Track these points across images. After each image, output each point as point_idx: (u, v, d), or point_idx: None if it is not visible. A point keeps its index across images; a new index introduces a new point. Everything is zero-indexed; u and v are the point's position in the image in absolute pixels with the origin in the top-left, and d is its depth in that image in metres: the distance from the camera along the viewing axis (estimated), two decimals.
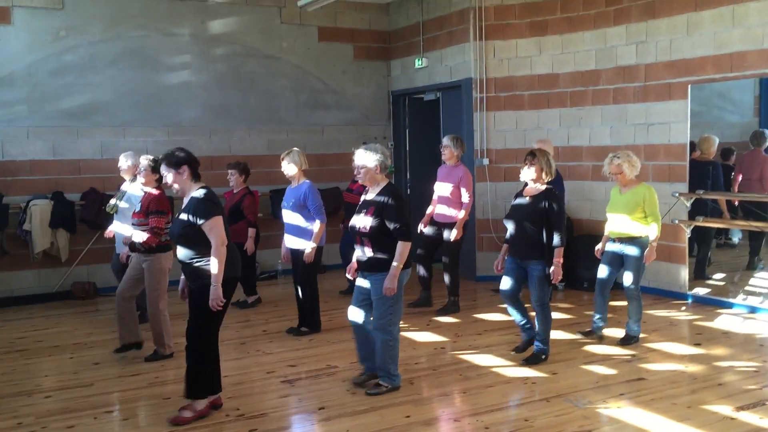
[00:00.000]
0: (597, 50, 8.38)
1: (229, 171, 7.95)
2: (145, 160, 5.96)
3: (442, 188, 7.38)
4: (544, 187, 5.59)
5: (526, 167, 5.60)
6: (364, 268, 5.04)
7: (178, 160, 4.64)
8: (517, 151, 8.85)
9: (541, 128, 8.91)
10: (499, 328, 6.84)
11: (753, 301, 7.28)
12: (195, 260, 4.58)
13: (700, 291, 7.75)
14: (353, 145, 9.60)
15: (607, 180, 8.19)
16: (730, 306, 7.34)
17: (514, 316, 5.83)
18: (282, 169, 6.73)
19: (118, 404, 5.03)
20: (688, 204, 7.58)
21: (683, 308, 7.44)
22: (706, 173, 7.82)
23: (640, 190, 6.05)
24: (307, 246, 6.53)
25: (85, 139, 8.75)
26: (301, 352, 6.22)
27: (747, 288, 7.73)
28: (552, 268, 5.45)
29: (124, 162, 6.88)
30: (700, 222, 7.56)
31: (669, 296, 7.80)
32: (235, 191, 7.98)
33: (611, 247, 6.20)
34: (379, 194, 5.00)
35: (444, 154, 7.42)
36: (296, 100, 10.03)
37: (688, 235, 7.63)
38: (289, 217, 6.68)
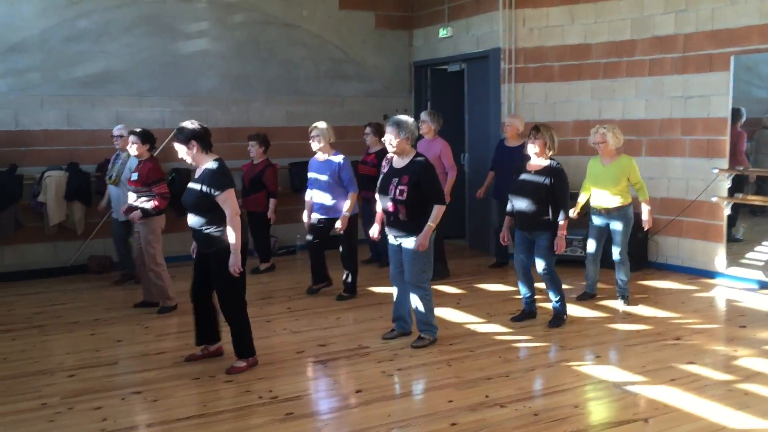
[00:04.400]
0: (633, 19, 8.02)
1: (250, 143, 8.11)
2: (133, 136, 6.44)
3: None
4: (547, 162, 5.71)
5: (530, 143, 5.71)
6: (399, 232, 5.35)
7: (186, 135, 4.82)
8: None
9: (571, 101, 8.60)
10: None
11: None
12: (205, 228, 4.81)
13: (736, 271, 7.49)
14: (373, 117, 9.48)
15: (640, 154, 8.03)
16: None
17: (521, 289, 6.07)
18: (310, 143, 6.74)
19: (145, 384, 4.81)
20: (728, 180, 7.30)
21: (721, 288, 7.19)
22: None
23: (624, 161, 6.37)
24: (340, 220, 6.66)
25: (101, 109, 8.46)
26: (329, 331, 6.00)
27: None
28: (556, 239, 5.66)
29: (124, 132, 7.20)
30: (740, 199, 7.28)
31: (705, 275, 7.55)
32: (255, 162, 8.10)
33: (597, 220, 6.48)
34: (410, 163, 5.29)
35: (422, 129, 7.46)
36: (316, 71, 9.72)
37: (727, 213, 7.36)
38: (322, 196, 6.79)
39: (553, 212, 5.67)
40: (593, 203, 6.48)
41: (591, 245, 6.58)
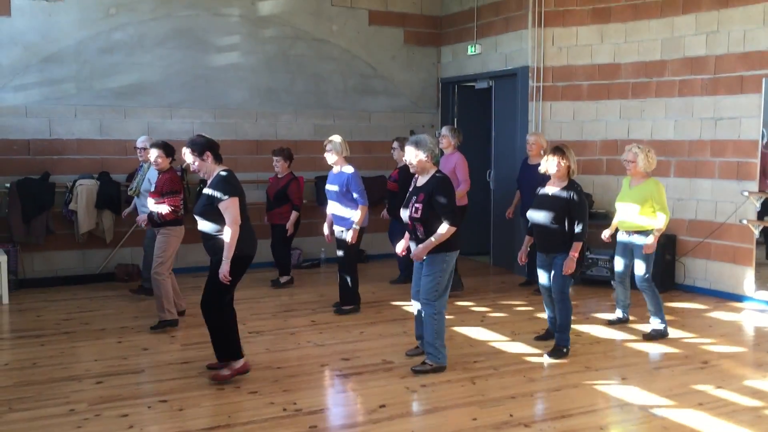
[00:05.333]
0: (663, 40, 8.01)
1: (274, 158, 8.16)
2: (157, 149, 6.45)
3: None
4: (566, 180, 5.69)
5: (554, 162, 5.64)
6: None
7: (202, 147, 5.02)
8: (574, 143, 8.48)
9: (599, 120, 8.58)
10: None
11: None
12: (213, 234, 4.97)
13: (765, 294, 7.38)
14: (400, 132, 9.53)
15: (668, 175, 7.98)
16: None
17: (547, 310, 5.97)
18: (325, 155, 6.93)
19: (170, 393, 4.86)
20: (758, 203, 7.22)
21: (749, 312, 7.10)
22: None
23: (650, 185, 6.24)
24: (350, 232, 6.81)
25: (132, 120, 8.61)
26: (353, 345, 6.02)
27: None
28: (566, 260, 5.54)
29: (147, 144, 7.19)
30: None
31: (732, 299, 7.46)
32: (279, 176, 8.18)
33: (622, 238, 6.40)
34: (428, 181, 5.29)
35: (442, 143, 7.56)
36: (344, 85, 9.80)
37: (757, 236, 7.28)
38: (334, 206, 6.97)
39: (570, 231, 5.57)
40: (618, 219, 6.42)
41: (618, 263, 6.47)
